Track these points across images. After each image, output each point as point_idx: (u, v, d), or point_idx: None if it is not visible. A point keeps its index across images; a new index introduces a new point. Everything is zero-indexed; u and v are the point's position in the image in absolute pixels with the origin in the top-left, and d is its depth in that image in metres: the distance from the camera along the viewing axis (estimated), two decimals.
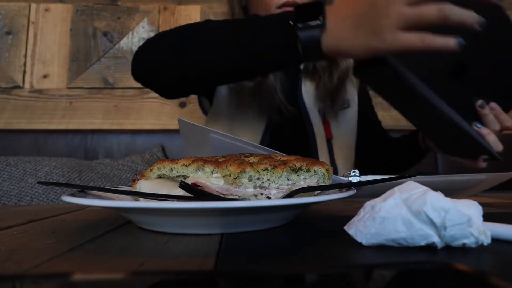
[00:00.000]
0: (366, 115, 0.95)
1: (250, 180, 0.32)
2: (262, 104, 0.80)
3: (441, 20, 0.42)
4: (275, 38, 0.51)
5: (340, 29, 0.47)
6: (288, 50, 0.51)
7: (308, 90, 0.84)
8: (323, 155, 0.81)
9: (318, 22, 0.48)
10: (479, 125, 0.61)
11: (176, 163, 0.34)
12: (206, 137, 0.45)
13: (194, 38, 0.58)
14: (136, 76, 0.66)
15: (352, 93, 0.90)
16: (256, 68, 0.56)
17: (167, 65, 0.60)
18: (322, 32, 0.48)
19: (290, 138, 0.82)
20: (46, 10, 1.45)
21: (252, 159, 0.34)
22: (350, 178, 0.45)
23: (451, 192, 0.51)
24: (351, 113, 0.88)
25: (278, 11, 0.76)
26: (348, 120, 0.87)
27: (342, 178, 0.44)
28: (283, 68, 0.65)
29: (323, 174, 0.33)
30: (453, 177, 0.47)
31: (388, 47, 0.44)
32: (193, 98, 1.46)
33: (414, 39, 0.43)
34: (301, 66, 0.85)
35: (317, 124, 0.82)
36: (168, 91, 0.68)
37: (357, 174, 0.45)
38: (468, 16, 0.41)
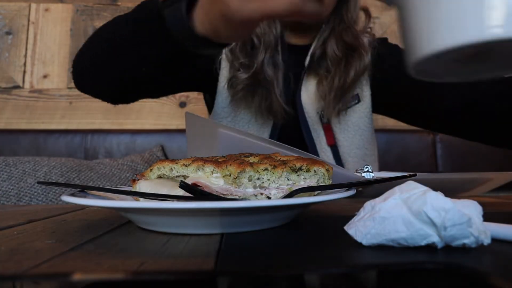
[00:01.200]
0: (405, 89, 0.78)
1: (250, 180, 0.32)
2: (259, 105, 0.77)
3: None
4: (143, 27, 0.42)
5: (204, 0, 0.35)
6: (156, 36, 0.40)
7: (309, 91, 0.79)
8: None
9: None
10: None
11: (176, 163, 0.34)
12: (214, 132, 0.43)
13: (99, 45, 0.54)
14: (78, 87, 0.65)
15: (362, 85, 0.82)
16: (148, 68, 0.47)
17: (96, 74, 0.58)
18: (192, 8, 0.36)
19: (296, 143, 0.80)
20: (46, 10, 1.45)
21: (252, 159, 0.34)
22: (363, 174, 0.44)
23: (456, 191, 0.51)
24: (362, 109, 0.81)
25: None
26: (357, 118, 0.81)
27: (355, 174, 0.44)
28: (178, 64, 0.46)
29: (323, 174, 0.33)
30: (459, 175, 0.47)
31: (238, 10, 0.32)
32: (193, 98, 1.46)
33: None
34: (306, 61, 0.80)
35: (316, 129, 0.79)
36: (108, 96, 0.65)
37: (370, 170, 0.45)
38: None
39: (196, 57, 0.44)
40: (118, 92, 0.62)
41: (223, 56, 0.79)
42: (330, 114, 0.79)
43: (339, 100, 0.78)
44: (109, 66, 0.55)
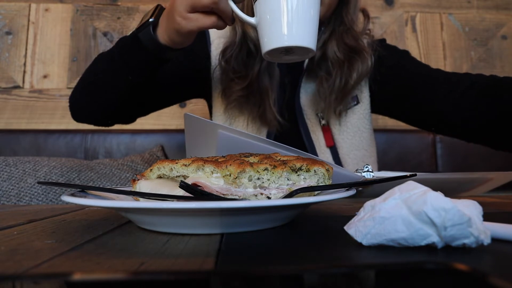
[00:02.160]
0: (403, 86, 0.80)
1: (250, 180, 0.32)
2: (252, 114, 0.78)
3: (211, 4, 0.50)
4: (125, 47, 0.65)
5: (162, 21, 0.59)
6: (135, 51, 0.63)
7: (308, 93, 0.80)
8: None
9: (150, 20, 0.61)
10: None
11: (176, 163, 0.34)
12: (213, 133, 0.44)
13: (89, 77, 0.73)
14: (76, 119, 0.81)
15: (361, 87, 0.82)
16: (127, 77, 0.66)
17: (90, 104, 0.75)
18: (156, 28, 0.60)
19: (295, 145, 0.79)
20: (46, 10, 1.45)
21: (252, 159, 0.34)
22: (363, 174, 0.44)
23: (456, 191, 0.51)
24: (361, 110, 0.82)
25: None
26: (356, 120, 0.81)
27: (355, 174, 0.44)
28: (155, 69, 0.65)
29: (323, 174, 0.33)
30: (459, 175, 0.47)
31: (184, 26, 0.53)
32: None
33: (198, 17, 0.52)
34: (305, 64, 0.80)
35: (315, 131, 0.79)
36: (100, 121, 0.81)
37: (370, 170, 0.45)
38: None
39: (164, 62, 0.64)
40: (114, 109, 0.74)
41: (217, 65, 0.79)
42: (329, 116, 0.79)
43: (339, 102, 0.78)
44: (104, 86, 0.70)
